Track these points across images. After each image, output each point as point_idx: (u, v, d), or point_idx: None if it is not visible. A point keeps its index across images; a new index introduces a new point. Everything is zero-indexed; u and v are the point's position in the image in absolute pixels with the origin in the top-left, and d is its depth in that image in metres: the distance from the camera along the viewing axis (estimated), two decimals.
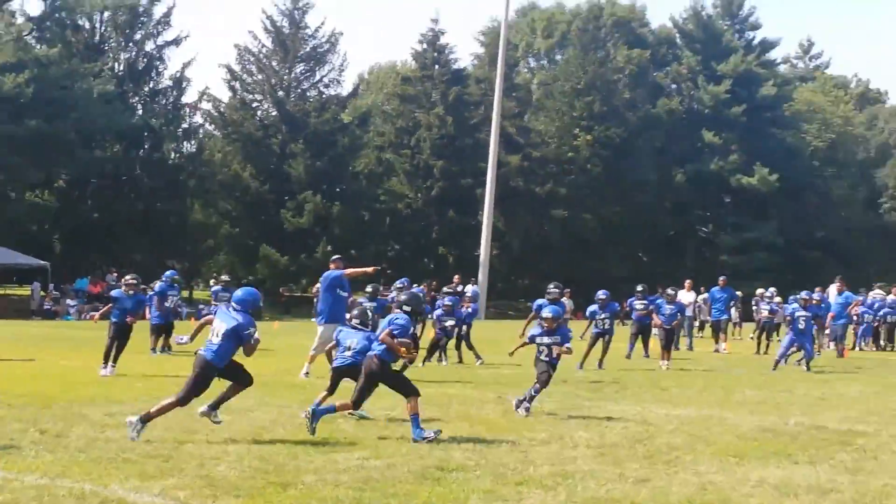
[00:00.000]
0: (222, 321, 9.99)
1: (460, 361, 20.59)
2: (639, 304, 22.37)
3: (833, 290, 28.48)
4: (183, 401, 9.90)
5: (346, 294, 16.70)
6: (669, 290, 22.85)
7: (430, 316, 22.27)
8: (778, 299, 30.18)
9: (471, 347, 20.70)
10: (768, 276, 53.63)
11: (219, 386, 10.31)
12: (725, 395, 15.45)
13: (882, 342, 30.03)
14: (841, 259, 65.53)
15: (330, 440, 10.06)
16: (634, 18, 75.13)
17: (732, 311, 30.91)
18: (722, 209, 69.00)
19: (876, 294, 31.27)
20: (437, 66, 59.86)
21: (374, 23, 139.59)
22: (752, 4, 71.28)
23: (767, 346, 26.70)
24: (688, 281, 31.53)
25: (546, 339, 12.52)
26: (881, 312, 29.83)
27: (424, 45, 60.67)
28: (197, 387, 9.90)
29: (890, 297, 30.26)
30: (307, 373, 16.27)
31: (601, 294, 20.34)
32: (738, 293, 30.83)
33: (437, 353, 20.09)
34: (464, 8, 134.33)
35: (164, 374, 16.52)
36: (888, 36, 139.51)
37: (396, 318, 10.66)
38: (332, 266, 16.93)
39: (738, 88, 66.47)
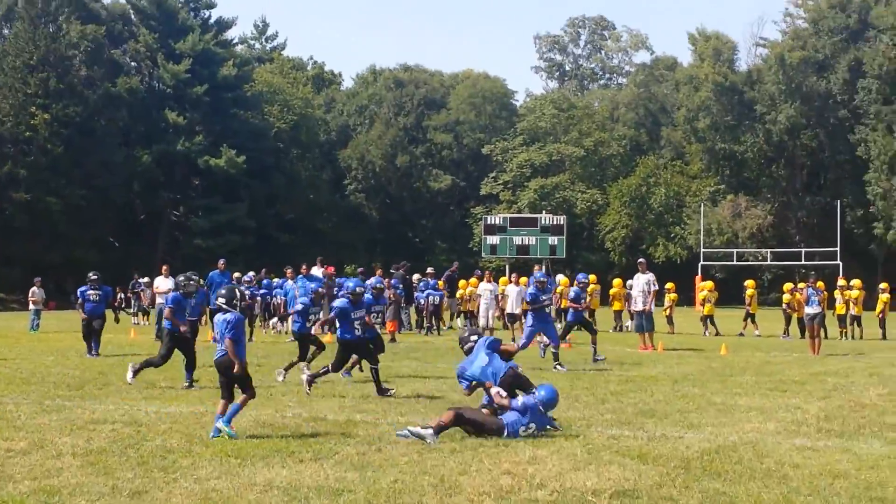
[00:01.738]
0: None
1: None
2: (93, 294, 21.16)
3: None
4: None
5: None
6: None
7: None
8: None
9: None
10: (242, 258, 53.24)
11: None
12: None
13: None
14: (312, 240, 67.81)
15: None
16: None
17: None
18: (192, 191, 68.26)
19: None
20: None
21: None
22: None
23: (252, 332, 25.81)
24: (164, 266, 29.86)
25: None
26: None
27: None
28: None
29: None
30: None
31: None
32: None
33: None
34: None
35: None
36: (338, 18, 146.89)
37: None
38: None
39: (199, 68, 65.95)
